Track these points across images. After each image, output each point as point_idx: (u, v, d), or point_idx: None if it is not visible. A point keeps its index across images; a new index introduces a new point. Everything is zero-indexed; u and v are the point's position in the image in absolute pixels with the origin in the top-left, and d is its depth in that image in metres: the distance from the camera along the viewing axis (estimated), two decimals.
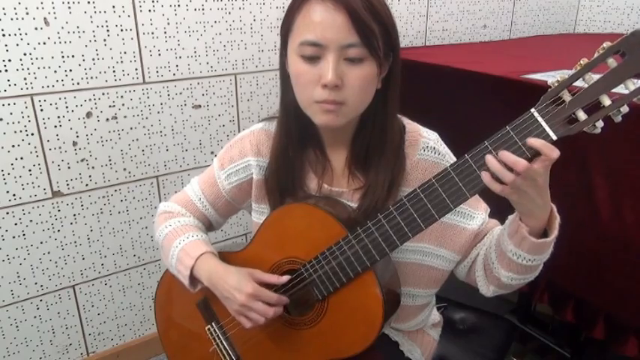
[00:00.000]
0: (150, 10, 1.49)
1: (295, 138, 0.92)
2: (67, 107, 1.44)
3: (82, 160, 1.51)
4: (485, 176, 0.71)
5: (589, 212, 1.19)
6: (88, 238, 1.59)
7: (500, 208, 0.86)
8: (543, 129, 0.69)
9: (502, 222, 0.89)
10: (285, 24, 0.85)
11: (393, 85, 0.88)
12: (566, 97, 0.68)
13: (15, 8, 1.30)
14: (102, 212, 1.59)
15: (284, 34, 0.86)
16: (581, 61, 0.67)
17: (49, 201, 1.49)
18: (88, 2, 1.39)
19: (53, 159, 1.46)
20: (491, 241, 0.89)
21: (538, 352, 1.70)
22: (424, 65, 1.66)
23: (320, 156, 0.94)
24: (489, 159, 0.70)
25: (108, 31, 1.44)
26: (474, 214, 0.92)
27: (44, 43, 1.36)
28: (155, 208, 1.66)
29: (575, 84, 0.68)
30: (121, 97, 1.52)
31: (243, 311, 0.88)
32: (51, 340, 1.62)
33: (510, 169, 0.69)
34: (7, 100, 1.35)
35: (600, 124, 0.68)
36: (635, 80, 0.65)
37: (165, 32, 1.53)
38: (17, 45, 1.33)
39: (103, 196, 1.57)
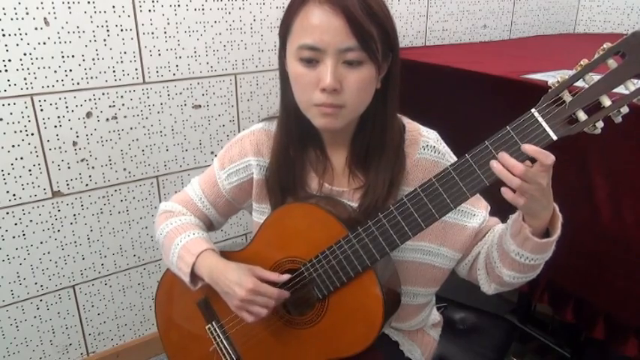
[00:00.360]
0: (150, 10, 1.49)
1: (296, 138, 0.92)
2: (67, 107, 1.44)
3: (82, 160, 1.51)
4: (507, 193, 0.70)
5: (589, 212, 1.19)
6: (88, 238, 1.59)
7: (501, 207, 0.86)
8: (544, 129, 0.69)
9: (503, 221, 0.90)
10: (283, 26, 0.85)
11: (393, 85, 0.88)
12: (567, 97, 0.68)
13: (15, 8, 1.30)
14: (102, 212, 1.59)
15: (282, 36, 0.86)
16: (582, 62, 0.67)
17: (49, 201, 1.49)
18: (88, 2, 1.39)
19: (53, 159, 1.46)
20: (493, 240, 0.89)
21: (538, 352, 1.70)
22: (424, 65, 1.66)
23: (320, 155, 0.94)
24: (495, 165, 0.70)
25: (108, 31, 1.44)
26: (475, 212, 0.92)
27: (44, 43, 1.36)
28: (155, 208, 1.66)
29: (575, 84, 0.68)
30: (121, 97, 1.52)
31: (244, 306, 0.88)
32: (51, 340, 1.62)
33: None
34: (7, 100, 1.35)
35: (600, 124, 0.68)
36: (636, 81, 0.65)
37: (165, 32, 1.53)
38: (17, 45, 1.33)
39: (103, 196, 1.57)
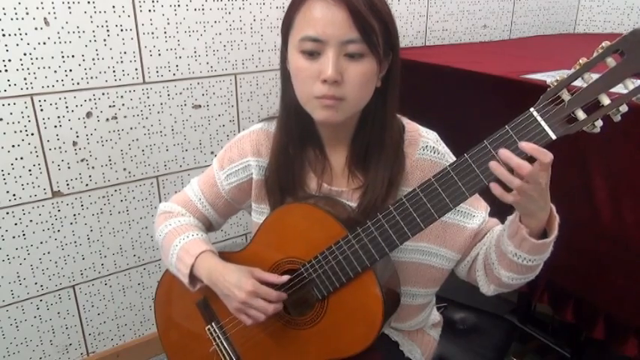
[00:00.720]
0: (150, 10, 1.49)
1: (295, 137, 0.92)
2: (67, 107, 1.44)
3: (82, 160, 1.51)
4: (496, 189, 0.70)
5: (589, 212, 1.19)
6: (88, 238, 1.59)
7: (500, 208, 0.86)
8: (542, 128, 0.69)
9: (502, 222, 0.89)
10: (285, 21, 0.85)
11: (393, 85, 0.88)
12: (566, 96, 0.68)
13: (15, 8, 1.30)
14: (102, 212, 1.59)
15: (284, 32, 0.86)
16: (580, 61, 0.67)
17: (49, 201, 1.49)
18: (88, 2, 1.39)
19: (53, 159, 1.46)
20: (491, 241, 0.89)
21: (538, 352, 1.70)
22: (424, 65, 1.66)
23: (320, 155, 0.94)
24: (495, 166, 0.70)
25: (108, 31, 1.44)
26: (474, 213, 0.92)
27: (44, 43, 1.36)
28: (155, 208, 1.66)
29: (574, 83, 0.68)
30: (121, 97, 1.52)
31: (243, 308, 0.88)
32: (51, 340, 1.62)
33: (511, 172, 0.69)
34: (7, 100, 1.35)
35: (599, 123, 0.68)
36: (634, 79, 0.65)
37: (165, 32, 1.53)
38: (17, 45, 1.33)
39: (103, 196, 1.57)
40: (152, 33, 1.51)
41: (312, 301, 0.90)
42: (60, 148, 1.46)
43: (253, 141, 0.98)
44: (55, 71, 1.40)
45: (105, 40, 1.44)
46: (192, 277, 0.95)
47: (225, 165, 1.01)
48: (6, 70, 1.33)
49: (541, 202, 0.73)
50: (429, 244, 0.92)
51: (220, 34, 1.63)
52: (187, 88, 1.62)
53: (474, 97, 1.49)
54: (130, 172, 1.60)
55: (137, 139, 1.58)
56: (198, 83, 1.64)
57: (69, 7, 1.37)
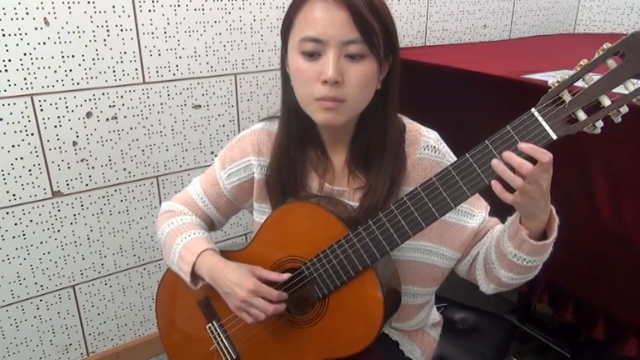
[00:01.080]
0: (150, 10, 1.49)
1: (296, 138, 0.92)
2: (67, 107, 1.44)
3: (82, 160, 1.51)
4: (496, 187, 0.71)
5: (589, 212, 1.19)
6: (88, 238, 1.59)
7: (500, 208, 0.86)
8: (543, 128, 0.69)
9: (502, 221, 0.90)
10: (285, 22, 0.85)
11: (393, 86, 0.88)
12: (567, 97, 0.68)
13: (15, 8, 1.30)
14: (102, 212, 1.59)
15: (284, 32, 0.86)
16: (582, 62, 0.67)
17: (49, 201, 1.49)
18: (88, 2, 1.39)
19: (53, 159, 1.46)
20: (491, 241, 0.89)
21: (538, 352, 1.70)
22: (424, 65, 1.66)
23: (321, 156, 0.94)
24: (497, 164, 0.70)
25: (108, 31, 1.44)
26: (475, 212, 0.92)
27: (44, 43, 1.36)
28: (155, 208, 1.67)
29: (575, 84, 0.68)
30: (121, 97, 1.52)
31: (244, 307, 0.88)
32: (51, 340, 1.62)
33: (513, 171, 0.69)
34: (7, 100, 1.35)
35: (600, 124, 0.68)
36: (635, 81, 0.65)
37: (165, 32, 1.53)
38: (17, 45, 1.33)
39: (103, 196, 1.57)
40: (152, 33, 1.51)
41: (312, 300, 0.90)
42: (60, 148, 1.46)
43: (254, 140, 0.98)
44: (55, 71, 1.40)
45: (105, 40, 1.44)
46: (194, 276, 0.96)
47: (227, 164, 1.01)
48: (6, 70, 1.33)
49: (541, 204, 0.73)
50: (430, 243, 0.93)
51: (220, 34, 1.63)
52: (187, 88, 1.62)
53: (473, 97, 1.49)
54: (130, 172, 1.60)
55: (137, 139, 1.58)
56: (198, 83, 1.64)
57: (69, 7, 1.37)
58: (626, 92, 0.66)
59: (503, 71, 1.44)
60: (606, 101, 0.67)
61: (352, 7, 0.77)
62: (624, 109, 0.67)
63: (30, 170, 1.43)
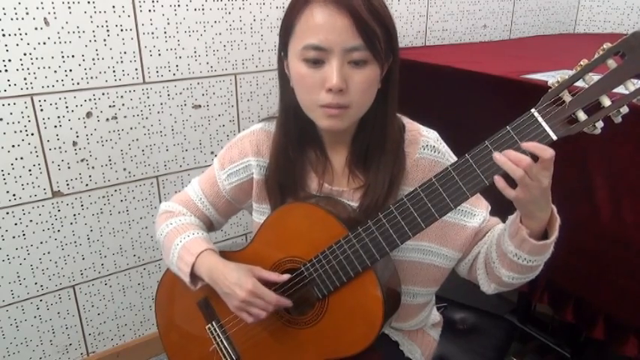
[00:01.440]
0: (150, 10, 1.49)
1: (295, 138, 0.92)
2: (67, 107, 1.44)
3: (82, 160, 1.51)
4: (499, 182, 0.71)
5: (589, 212, 1.19)
6: (88, 238, 1.59)
7: (501, 207, 0.86)
8: (543, 129, 0.69)
9: (503, 220, 0.90)
10: (285, 26, 0.84)
11: (393, 84, 0.88)
12: (567, 97, 0.68)
13: (15, 8, 1.30)
14: (102, 212, 1.59)
15: (284, 35, 0.85)
16: (582, 62, 0.67)
17: (49, 201, 1.49)
18: (88, 2, 1.39)
19: (53, 159, 1.46)
20: (492, 240, 0.89)
21: (538, 352, 1.70)
22: (424, 65, 1.66)
23: (320, 156, 0.94)
24: (497, 157, 0.70)
25: (108, 31, 1.44)
26: (475, 212, 0.92)
27: (44, 43, 1.36)
28: (155, 208, 1.67)
29: (575, 84, 0.68)
30: (121, 97, 1.52)
31: (244, 307, 0.88)
32: (51, 340, 1.62)
33: None
34: (7, 100, 1.35)
35: (600, 124, 0.68)
36: (635, 81, 0.65)
37: (165, 32, 1.53)
38: (17, 45, 1.33)
39: (103, 196, 1.57)
40: (152, 33, 1.51)
41: (312, 301, 0.90)
42: (60, 148, 1.46)
43: (254, 141, 0.98)
44: (55, 71, 1.40)
45: (105, 40, 1.44)
46: (194, 276, 0.96)
47: (226, 165, 1.01)
48: (6, 70, 1.33)
49: (542, 203, 0.73)
50: (430, 243, 0.93)
51: (220, 34, 1.63)
52: (187, 88, 1.62)
53: (473, 97, 1.49)
54: (130, 172, 1.60)
55: (137, 139, 1.58)
56: (198, 83, 1.64)
57: (69, 7, 1.37)
58: (627, 92, 0.66)
59: (503, 71, 1.44)
60: (606, 101, 0.67)
61: (354, 12, 0.76)
62: (624, 110, 0.66)
63: (30, 170, 1.43)
